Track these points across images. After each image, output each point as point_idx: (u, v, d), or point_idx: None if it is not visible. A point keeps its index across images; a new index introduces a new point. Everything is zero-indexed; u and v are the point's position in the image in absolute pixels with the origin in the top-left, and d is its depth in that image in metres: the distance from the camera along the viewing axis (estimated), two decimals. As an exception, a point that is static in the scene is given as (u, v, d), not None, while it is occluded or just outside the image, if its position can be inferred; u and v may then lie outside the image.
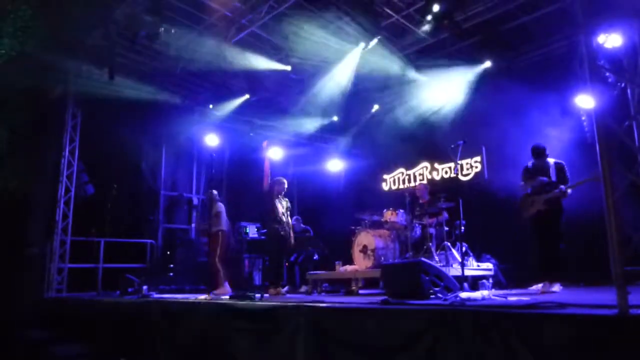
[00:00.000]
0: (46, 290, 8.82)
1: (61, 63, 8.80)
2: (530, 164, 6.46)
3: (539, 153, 6.36)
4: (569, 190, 5.97)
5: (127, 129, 9.93)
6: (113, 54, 8.87)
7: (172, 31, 8.12)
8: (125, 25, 8.52)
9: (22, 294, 8.60)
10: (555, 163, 6.21)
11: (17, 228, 8.87)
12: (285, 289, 9.35)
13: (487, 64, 8.87)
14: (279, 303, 4.69)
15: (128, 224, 10.27)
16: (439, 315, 3.18)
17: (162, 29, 7.87)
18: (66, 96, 9.37)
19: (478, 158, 9.37)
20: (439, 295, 4.67)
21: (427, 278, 4.78)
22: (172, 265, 10.30)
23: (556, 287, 5.72)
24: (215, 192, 8.17)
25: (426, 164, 10.42)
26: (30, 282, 8.83)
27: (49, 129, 9.36)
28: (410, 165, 10.76)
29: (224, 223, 8.16)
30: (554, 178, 6.09)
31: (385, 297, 4.75)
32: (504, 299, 4.48)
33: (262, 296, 5.42)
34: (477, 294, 4.54)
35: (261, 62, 9.25)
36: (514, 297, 4.73)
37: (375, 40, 8.15)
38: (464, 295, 4.55)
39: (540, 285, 5.96)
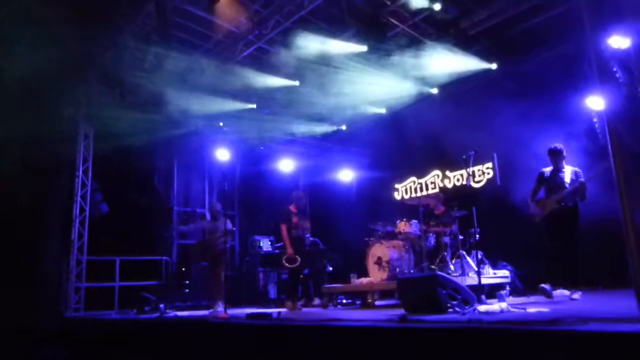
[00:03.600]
0: (64, 310, 8.88)
1: (73, 84, 8.92)
2: (546, 171, 6.37)
3: (556, 154, 6.23)
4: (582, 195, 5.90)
5: (139, 146, 10.02)
6: (123, 74, 9.01)
7: (180, 53, 8.18)
8: (135, 46, 8.67)
9: (40, 313, 8.67)
10: (574, 170, 6.13)
11: (32, 247, 8.97)
12: (301, 302, 9.40)
13: (495, 68, 8.83)
14: (297, 322, 4.69)
15: (142, 241, 10.34)
16: (457, 334, 3.16)
17: (171, 49, 7.94)
18: (78, 116, 9.48)
19: (490, 164, 9.32)
20: (457, 309, 4.64)
21: (444, 292, 4.76)
22: (187, 282, 10.33)
23: (576, 295, 5.66)
24: (219, 206, 8.27)
25: (437, 172, 10.38)
26: (48, 301, 8.91)
27: (62, 149, 9.47)
28: (421, 173, 10.72)
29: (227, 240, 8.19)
30: (569, 180, 6.02)
31: (403, 312, 4.73)
32: (522, 310, 4.44)
33: (279, 314, 5.42)
34: (495, 307, 4.50)
35: (269, 78, 9.31)
36: (533, 307, 4.69)
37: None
38: (482, 308, 4.51)
39: (558, 292, 5.91)
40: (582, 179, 5.95)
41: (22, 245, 8.54)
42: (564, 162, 6.25)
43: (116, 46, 8.62)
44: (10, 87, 7.81)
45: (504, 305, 4.53)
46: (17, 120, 8.15)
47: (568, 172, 6.13)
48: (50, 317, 8.64)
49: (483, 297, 4.88)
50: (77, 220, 9.17)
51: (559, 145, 6.32)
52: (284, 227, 7.98)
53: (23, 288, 8.43)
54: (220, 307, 7.75)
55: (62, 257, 9.00)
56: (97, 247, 9.34)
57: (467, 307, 4.65)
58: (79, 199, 9.27)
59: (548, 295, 5.78)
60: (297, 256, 7.79)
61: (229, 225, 8.25)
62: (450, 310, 4.67)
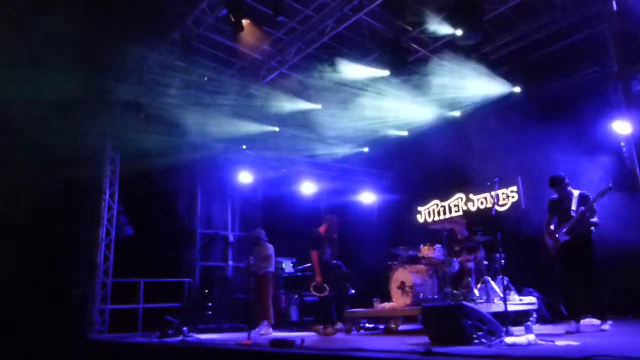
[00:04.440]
0: (88, 332, 8.98)
1: (98, 110, 9.16)
2: (555, 199, 6.26)
3: (556, 183, 6.06)
4: (594, 218, 5.75)
5: (163, 169, 10.19)
6: (148, 100, 9.23)
7: (205, 79, 8.34)
8: (160, 72, 8.89)
9: (66, 336, 8.79)
10: (580, 194, 5.96)
11: (61, 270, 9.14)
12: (322, 327, 9.33)
13: (518, 91, 8.79)
14: (319, 351, 4.66)
15: (165, 263, 10.45)
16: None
17: (196, 76, 8.12)
18: (104, 141, 9.70)
19: (514, 188, 9.22)
20: (483, 340, 4.55)
21: (469, 322, 4.68)
22: (210, 304, 10.37)
23: (606, 326, 5.52)
24: (262, 231, 8.37)
25: (461, 195, 10.31)
26: (73, 324, 9.03)
27: (89, 174, 9.68)
28: (444, 196, 10.66)
29: (273, 264, 8.49)
30: (575, 208, 5.86)
31: (428, 344, 4.67)
32: (551, 343, 4.35)
33: (302, 341, 5.39)
34: (522, 339, 4.40)
35: (291, 101, 9.43)
36: (562, 340, 4.59)
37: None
38: (508, 340, 4.42)
39: (587, 320, 5.77)
40: (582, 208, 5.76)
41: (50, 269, 8.71)
42: (569, 188, 6.07)
43: (140, 72, 8.87)
44: (41, 111, 8.05)
45: (531, 337, 4.43)
46: (46, 144, 8.38)
47: (575, 199, 5.95)
48: (74, 340, 8.76)
49: (510, 328, 4.78)
50: (104, 243, 9.31)
51: (558, 174, 6.16)
52: (314, 254, 7.80)
53: (50, 310, 8.58)
54: (264, 329, 8.01)
55: (88, 280, 9.13)
56: (121, 269, 9.46)
57: (493, 339, 4.56)
58: (105, 222, 9.42)
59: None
60: (325, 285, 7.74)
61: (267, 251, 8.49)
62: (476, 341, 4.59)
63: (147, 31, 7.69)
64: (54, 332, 8.55)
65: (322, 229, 8.04)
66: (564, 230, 5.85)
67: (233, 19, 6.92)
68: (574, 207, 5.83)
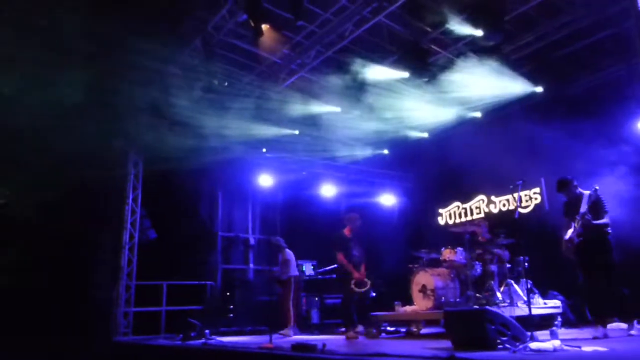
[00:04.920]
0: (113, 334, 9.11)
1: (122, 116, 9.31)
2: (567, 203, 6.13)
3: (563, 186, 6.00)
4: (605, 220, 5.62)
5: (185, 173, 10.32)
6: (170, 105, 9.34)
7: (225, 83, 8.41)
8: (182, 78, 8.99)
9: (91, 337, 8.94)
10: (590, 195, 5.81)
11: (86, 273, 9.32)
12: (343, 329, 9.33)
13: (541, 91, 8.67)
14: (342, 356, 4.65)
15: (188, 266, 10.55)
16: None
17: (217, 80, 8.18)
18: (128, 145, 9.85)
19: (537, 189, 9.10)
20: (507, 345, 4.50)
21: (492, 327, 4.63)
22: (231, 306, 10.44)
23: (634, 331, 5.40)
24: (280, 239, 8.50)
25: (482, 196, 10.20)
26: (98, 326, 9.18)
27: (114, 177, 9.84)
28: (466, 198, 10.56)
29: (294, 268, 8.73)
30: (584, 209, 5.72)
31: (450, 349, 4.63)
32: (577, 349, 4.28)
33: (324, 345, 5.39)
34: (547, 345, 4.34)
35: (311, 104, 9.45)
36: (589, 345, 4.51)
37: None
38: (533, 345, 4.36)
39: (614, 324, 5.66)
40: (583, 211, 5.61)
41: (76, 272, 8.88)
42: (579, 190, 5.95)
43: (163, 77, 8.98)
44: (67, 114, 8.20)
45: (557, 343, 4.36)
46: (71, 148, 8.53)
47: (585, 200, 5.77)
48: (100, 342, 8.90)
49: (535, 333, 4.71)
50: (127, 247, 9.44)
51: (564, 177, 6.03)
52: (340, 255, 7.88)
53: (76, 313, 8.74)
54: (290, 331, 8.30)
55: (112, 283, 9.28)
56: (144, 272, 9.59)
57: (517, 344, 4.50)
58: (128, 225, 9.56)
59: None
60: (365, 279, 7.78)
61: (285, 256, 8.82)
62: (500, 347, 4.54)
63: (171, 37, 7.79)
64: (79, 333, 8.71)
65: (346, 230, 8.06)
66: (575, 234, 5.75)
67: (253, 24, 6.96)
68: (582, 209, 5.71)
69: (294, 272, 8.87)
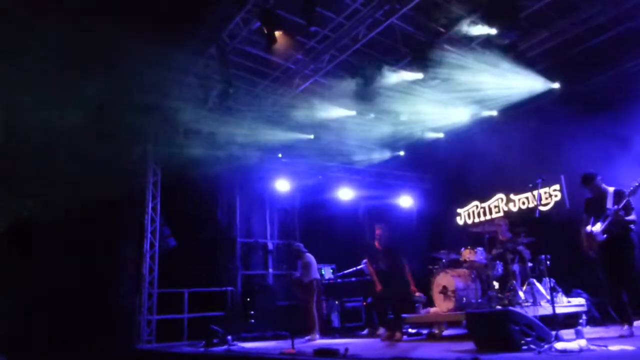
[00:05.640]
0: (136, 342, 9.22)
1: (140, 125, 9.43)
2: (590, 199, 6.04)
3: (588, 181, 5.90)
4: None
5: (203, 181, 10.41)
6: (187, 113, 9.45)
7: (240, 91, 8.49)
8: (197, 86, 9.09)
9: (116, 346, 9.05)
10: (615, 191, 5.69)
11: (109, 282, 9.45)
12: (365, 331, 9.33)
13: (558, 87, 8.57)
14: None
15: (208, 273, 10.64)
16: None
17: (232, 88, 8.25)
18: (146, 156, 9.97)
19: (557, 186, 8.99)
20: (532, 346, 4.45)
21: (516, 328, 4.58)
22: (252, 312, 10.49)
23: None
24: (300, 244, 8.59)
25: (501, 195, 10.11)
26: (122, 334, 9.29)
27: (133, 188, 9.96)
28: (484, 197, 10.47)
29: (315, 272, 8.81)
30: (610, 206, 5.63)
31: (474, 350, 4.60)
32: (604, 348, 4.22)
33: (346, 350, 5.39)
34: (573, 345, 4.29)
35: (326, 109, 9.47)
36: (615, 344, 4.44)
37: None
38: (559, 346, 4.31)
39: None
40: (616, 207, 5.52)
41: (100, 281, 9.01)
42: (603, 186, 5.85)
43: (179, 87, 9.08)
44: (87, 127, 8.33)
45: (583, 342, 4.30)
46: (90, 160, 8.66)
47: (610, 196, 5.68)
48: (124, 350, 9.01)
49: (560, 333, 4.65)
50: (148, 255, 9.55)
51: (589, 172, 5.92)
52: (368, 265, 8.28)
53: (100, 321, 8.86)
54: (317, 335, 8.39)
55: (135, 291, 9.39)
56: (166, 280, 9.68)
57: (542, 345, 4.46)
58: (149, 234, 9.67)
59: None
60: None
61: (305, 259, 8.89)
62: (525, 347, 4.49)
63: (186, 46, 7.88)
64: (104, 342, 8.83)
65: (377, 242, 8.11)
66: (601, 230, 5.66)
67: (266, 32, 7.01)
68: (609, 205, 5.62)
69: (316, 275, 8.93)
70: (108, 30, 6.82)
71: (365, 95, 8.49)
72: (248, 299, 10.84)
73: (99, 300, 9.07)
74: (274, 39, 7.08)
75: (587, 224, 5.86)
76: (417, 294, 8.42)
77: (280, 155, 11.18)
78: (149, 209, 9.81)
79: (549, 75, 8.44)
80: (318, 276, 9.07)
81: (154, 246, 9.70)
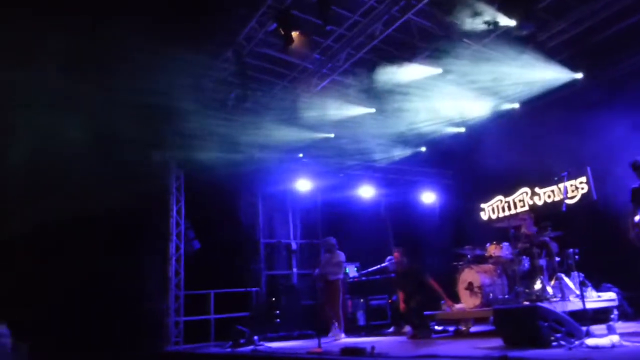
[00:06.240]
0: (165, 344, 9.35)
1: (162, 130, 9.55)
2: (636, 184, 5.90)
3: (638, 167, 5.79)
4: None
5: (225, 183, 10.48)
6: (207, 116, 9.53)
7: (259, 93, 8.51)
8: (215, 89, 9.17)
9: (145, 349, 9.19)
10: None
11: (136, 286, 9.59)
12: (391, 329, 9.29)
13: (581, 77, 8.40)
14: (392, 359, 4.63)
15: (233, 274, 10.72)
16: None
17: (249, 90, 8.29)
18: (168, 160, 10.10)
19: (583, 178, 8.81)
20: (562, 342, 4.38)
21: (545, 324, 4.51)
22: (277, 312, 10.54)
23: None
24: (334, 239, 8.53)
25: (526, 189, 9.95)
26: (152, 336, 9.43)
27: (158, 191, 10.09)
28: (508, 191, 10.32)
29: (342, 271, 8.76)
30: None
31: (502, 347, 4.54)
32: (638, 344, 4.11)
33: (373, 348, 5.37)
34: (605, 340, 4.20)
35: (345, 107, 9.45)
36: (649, 339, 4.33)
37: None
38: (590, 342, 4.22)
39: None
40: None
41: (127, 284, 9.15)
42: None
43: (198, 90, 9.15)
44: (109, 133, 8.45)
45: (615, 338, 4.21)
46: (115, 165, 8.79)
47: None
48: (153, 352, 9.15)
49: (590, 328, 4.56)
50: (174, 258, 9.67)
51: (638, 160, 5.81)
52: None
53: (128, 324, 9.01)
54: (336, 334, 8.35)
55: (162, 293, 9.52)
56: (191, 282, 9.80)
57: (573, 341, 4.38)
58: (174, 237, 9.79)
59: None
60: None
61: (339, 258, 8.78)
62: (554, 344, 4.41)
63: (204, 50, 7.94)
64: (133, 344, 8.97)
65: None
66: None
67: (283, 32, 7.03)
68: None
69: (342, 274, 8.95)
70: (127, 35, 6.90)
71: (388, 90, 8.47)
72: (273, 299, 10.90)
73: (127, 303, 9.21)
74: (290, 39, 7.09)
75: (635, 214, 5.71)
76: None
77: (300, 155, 11.21)
78: (173, 212, 9.94)
79: (571, 64, 8.27)
80: (343, 275, 9.07)
81: (179, 249, 9.83)
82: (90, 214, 8.67)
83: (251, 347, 7.91)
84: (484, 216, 10.84)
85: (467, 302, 7.69)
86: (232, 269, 10.72)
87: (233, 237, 11.04)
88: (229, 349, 8.12)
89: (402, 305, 7.94)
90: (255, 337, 8.24)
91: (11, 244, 8.19)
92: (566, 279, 7.20)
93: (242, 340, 8.29)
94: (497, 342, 5.11)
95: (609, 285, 7.39)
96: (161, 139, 9.77)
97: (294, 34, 7.13)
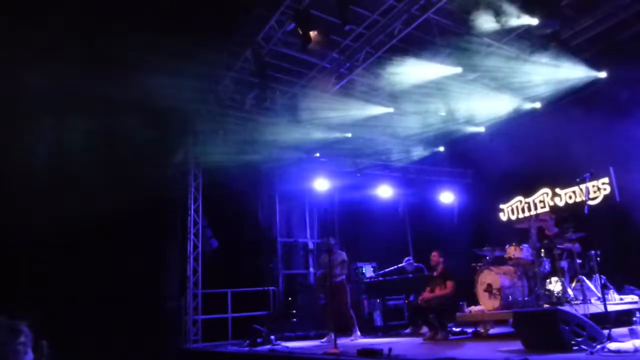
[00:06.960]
0: (183, 342, 9.42)
1: (180, 130, 9.64)
2: None
3: None
4: None
5: (243, 182, 10.55)
6: (225, 116, 9.60)
7: (277, 92, 8.53)
8: (234, 89, 9.22)
9: (163, 346, 9.28)
10: None
11: (155, 284, 9.69)
12: (408, 330, 9.23)
13: (604, 76, 8.24)
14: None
15: (250, 273, 10.77)
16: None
17: (268, 90, 8.31)
18: (187, 160, 10.18)
19: (605, 179, 8.63)
20: (583, 347, 4.30)
21: (567, 328, 4.44)
22: (294, 311, 10.55)
23: None
24: (334, 240, 8.50)
25: (546, 189, 9.78)
26: (170, 334, 9.52)
27: (177, 191, 10.17)
28: (528, 192, 10.16)
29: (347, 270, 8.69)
30: None
31: (522, 351, 4.48)
32: (662, 349, 4.02)
33: (390, 350, 5.34)
34: (628, 345, 4.12)
35: (363, 106, 9.42)
36: (674, 345, 4.23)
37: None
38: (612, 346, 4.15)
39: None
40: None
41: (147, 282, 9.25)
42: None
43: (217, 91, 9.21)
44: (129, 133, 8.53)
45: (638, 342, 4.12)
46: (134, 165, 8.87)
47: None
48: (171, 349, 9.23)
49: (612, 332, 4.47)
50: (192, 257, 9.74)
51: None
52: None
53: (147, 322, 9.10)
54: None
55: (180, 292, 9.60)
56: (209, 281, 9.86)
57: (594, 345, 4.30)
58: (192, 236, 9.87)
59: None
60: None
61: (342, 257, 8.65)
62: (576, 348, 4.34)
63: (222, 51, 7.99)
64: (152, 342, 9.06)
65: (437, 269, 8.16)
66: None
67: (301, 32, 7.02)
68: None
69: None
70: (148, 36, 6.96)
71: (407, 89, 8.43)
72: (290, 298, 10.92)
73: (146, 302, 9.31)
74: (308, 39, 7.07)
75: None
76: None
77: (318, 154, 11.21)
78: (191, 211, 10.02)
79: (595, 63, 8.12)
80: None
81: (197, 248, 9.90)
82: (109, 214, 8.78)
83: (268, 346, 7.94)
84: (503, 217, 10.70)
85: (486, 304, 7.60)
86: (249, 267, 10.78)
87: (250, 236, 11.10)
88: (246, 348, 8.15)
89: (427, 296, 7.86)
90: (272, 337, 8.27)
91: (34, 244, 8.30)
92: (587, 282, 7.07)
93: (259, 340, 8.32)
94: (516, 345, 5.04)
95: (631, 287, 7.24)
96: (180, 139, 9.86)
97: (312, 33, 7.12)
